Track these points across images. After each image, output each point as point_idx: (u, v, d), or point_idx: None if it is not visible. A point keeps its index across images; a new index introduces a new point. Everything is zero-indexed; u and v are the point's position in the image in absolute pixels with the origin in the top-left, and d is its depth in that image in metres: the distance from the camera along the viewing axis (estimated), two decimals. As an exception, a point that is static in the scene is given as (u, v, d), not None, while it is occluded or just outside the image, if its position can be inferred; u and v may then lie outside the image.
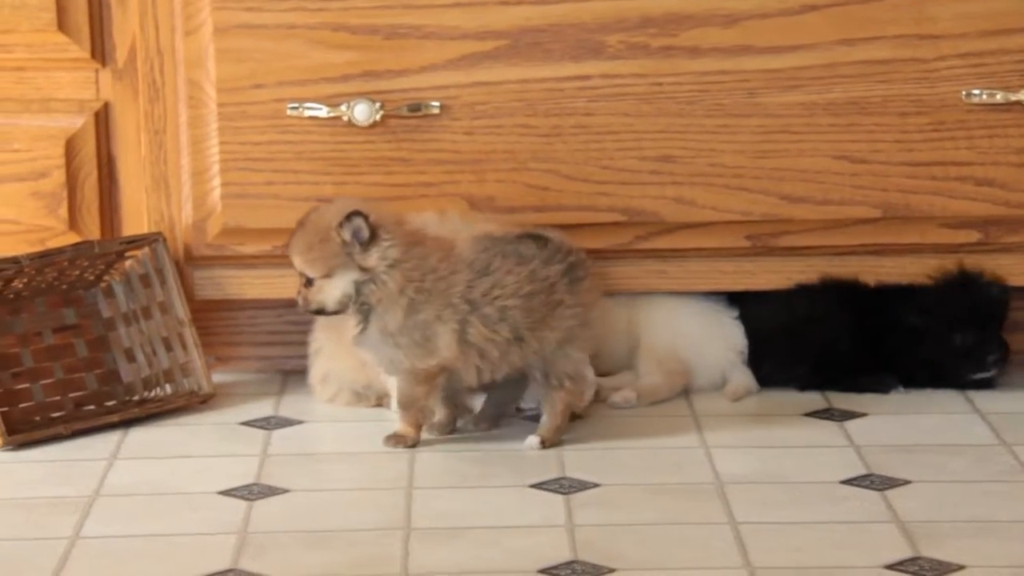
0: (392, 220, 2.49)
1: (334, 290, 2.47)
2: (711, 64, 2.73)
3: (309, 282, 2.49)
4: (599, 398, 2.68)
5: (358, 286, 2.46)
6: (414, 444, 2.52)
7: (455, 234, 2.57)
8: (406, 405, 2.51)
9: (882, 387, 2.75)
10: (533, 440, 2.52)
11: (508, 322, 2.46)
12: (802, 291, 2.77)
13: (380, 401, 2.69)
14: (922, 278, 2.75)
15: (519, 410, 2.65)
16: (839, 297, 2.76)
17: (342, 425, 2.66)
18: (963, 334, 2.70)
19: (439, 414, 2.56)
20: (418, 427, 2.52)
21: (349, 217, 2.45)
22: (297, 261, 2.49)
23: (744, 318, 2.79)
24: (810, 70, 2.73)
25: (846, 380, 2.75)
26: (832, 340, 2.75)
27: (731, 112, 2.74)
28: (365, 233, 2.45)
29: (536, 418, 2.60)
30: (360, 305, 2.47)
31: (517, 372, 2.51)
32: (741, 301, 2.80)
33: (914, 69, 2.73)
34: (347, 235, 2.45)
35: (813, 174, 2.76)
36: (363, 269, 2.45)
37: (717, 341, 2.77)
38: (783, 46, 2.73)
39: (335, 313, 2.50)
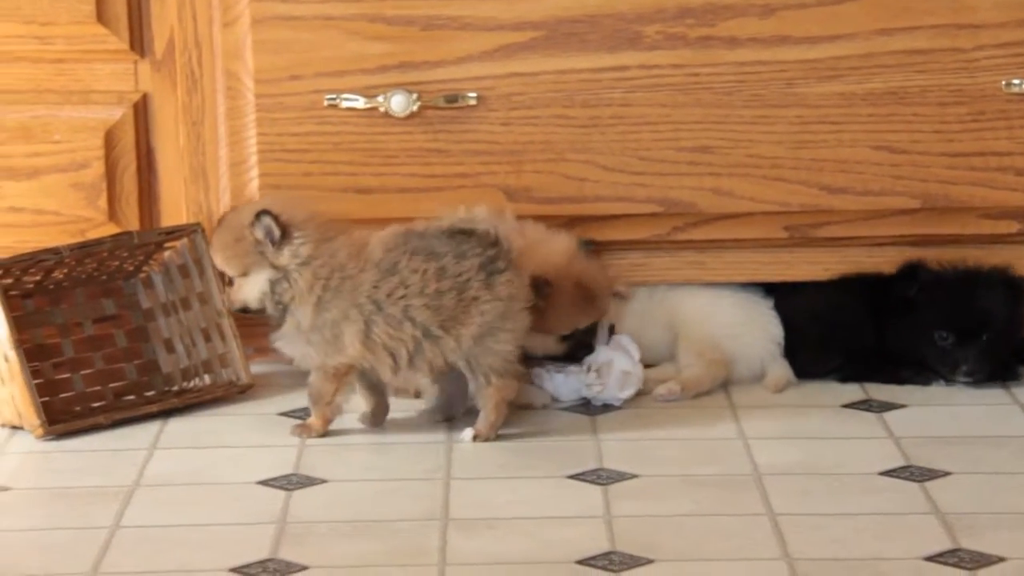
0: (305, 218, 2.51)
1: (252, 288, 2.53)
2: (749, 54, 2.72)
3: (231, 281, 2.56)
4: (643, 390, 2.68)
5: (272, 284, 2.51)
6: (320, 435, 2.54)
7: (539, 242, 2.58)
8: (316, 400, 2.54)
9: (922, 379, 2.74)
10: (467, 433, 2.52)
11: (413, 321, 2.46)
12: (836, 282, 2.77)
13: (417, 393, 2.70)
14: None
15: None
16: (873, 288, 2.75)
17: (380, 415, 2.66)
18: (947, 336, 2.69)
19: (368, 405, 2.58)
20: (326, 421, 2.55)
21: (259, 216, 2.50)
22: (217, 260, 2.57)
23: (780, 309, 2.78)
24: (848, 60, 2.72)
25: (886, 372, 2.74)
26: (864, 332, 2.75)
27: (769, 102, 2.73)
28: (276, 232, 2.49)
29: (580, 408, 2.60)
30: (276, 304, 2.51)
31: (449, 366, 2.51)
32: (777, 292, 2.79)
33: (953, 59, 2.72)
34: (259, 234, 2.50)
35: (852, 164, 2.75)
36: (275, 267, 2.50)
37: (756, 332, 2.77)
38: (821, 36, 2.72)
39: (260, 312, 2.55)
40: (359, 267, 2.49)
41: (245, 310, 2.56)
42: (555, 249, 2.61)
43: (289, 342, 2.53)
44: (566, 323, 2.61)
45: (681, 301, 2.78)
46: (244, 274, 2.53)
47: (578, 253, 2.63)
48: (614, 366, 2.64)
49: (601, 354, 2.64)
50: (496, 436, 2.52)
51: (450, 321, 2.47)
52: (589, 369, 2.64)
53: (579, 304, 2.60)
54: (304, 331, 2.51)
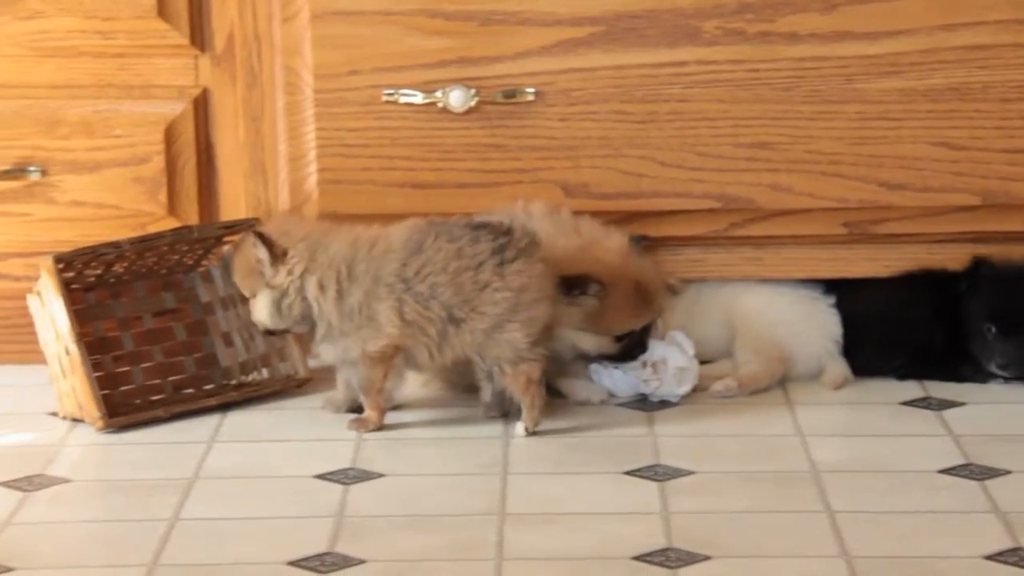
0: (302, 236, 2.54)
1: (261, 309, 2.56)
2: (809, 50, 2.71)
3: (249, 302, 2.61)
4: (700, 387, 2.68)
5: (275, 303, 2.54)
6: (376, 428, 2.55)
7: (593, 241, 2.60)
8: (366, 389, 2.55)
9: (981, 376, 2.72)
10: (518, 427, 2.53)
11: (439, 299, 2.48)
12: (898, 279, 2.75)
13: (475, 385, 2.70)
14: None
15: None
16: (936, 286, 2.74)
17: (436, 410, 2.67)
18: (992, 328, 2.67)
19: (339, 393, 2.60)
20: (381, 412, 2.56)
21: (253, 242, 2.53)
22: (236, 282, 2.61)
23: (842, 306, 2.77)
24: (909, 56, 2.71)
25: (945, 370, 2.73)
26: (929, 329, 2.73)
27: (829, 98, 2.72)
28: (265, 254, 2.53)
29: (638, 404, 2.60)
30: (290, 320, 2.54)
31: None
32: (837, 289, 2.78)
33: (1015, 55, 2.70)
34: (260, 255, 2.53)
35: (912, 161, 2.73)
36: (272, 287, 2.53)
37: (813, 329, 2.76)
38: (882, 32, 2.70)
39: (282, 330, 2.58)
40: (381, 250, 2.51)
41: (266, 330, 2.60)
42: (610, 248, 2.61)
43: (328, 344, 2.55)
44: (622, 323, 2.61)
45: (738, 297, 2.78)
46: (253, 296, 2.57)
47: (633, 252, 2.63)
48: (669, 362, 2.64)
49: (656, 350, 2.64)
50: (541, 419, 2.51)
51: (468, 304, 2.48)
52: (645, 365, 2.64)
53: (635, 304, 2.60)
54: (337, 327, 2.53)
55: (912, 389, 2.71)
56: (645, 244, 2.67)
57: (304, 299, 2.53)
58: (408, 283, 2.50)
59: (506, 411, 2.59)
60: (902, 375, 2.74)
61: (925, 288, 2.75)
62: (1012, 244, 2.76)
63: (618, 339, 2.62)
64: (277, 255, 2.53)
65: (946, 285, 2.74)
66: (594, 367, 2.66)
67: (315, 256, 2.53)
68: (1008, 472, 2.38)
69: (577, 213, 2.68)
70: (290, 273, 2.53)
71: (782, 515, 2.26)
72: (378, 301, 2.50)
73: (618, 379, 2.66)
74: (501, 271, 2.47)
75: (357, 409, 2.61)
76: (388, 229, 2.57)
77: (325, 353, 2.58)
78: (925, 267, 2.77)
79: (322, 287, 2.53)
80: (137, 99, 2.80)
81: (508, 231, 2.49)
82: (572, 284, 2.57)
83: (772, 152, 2.74)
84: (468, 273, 2.48)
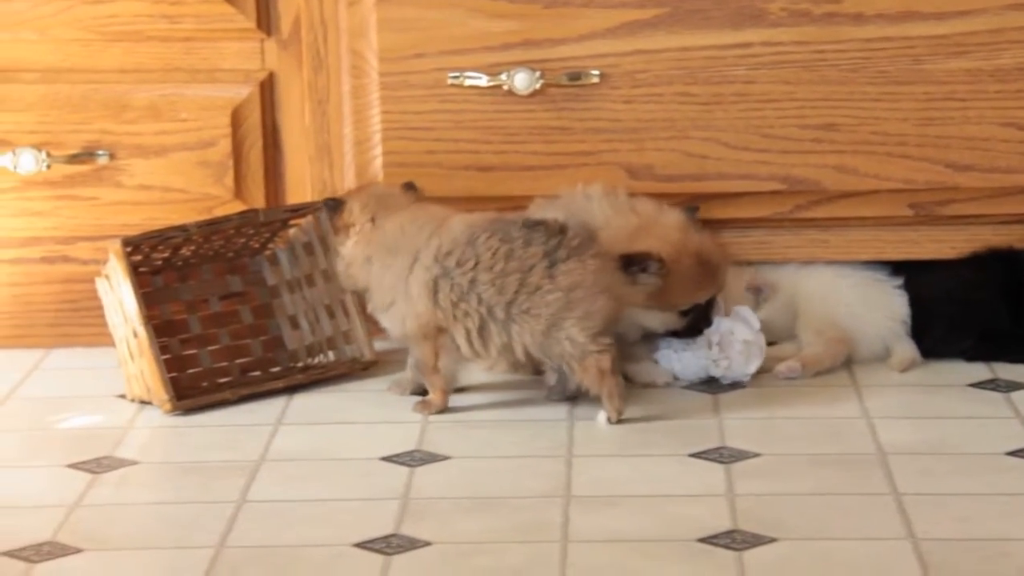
0: (373, 207, 2.59)
1: (337, 268, 2.64)
2: (875, 31, 2.70)
3: None
4: (764, 368, 2.67)
5: (342, 268, 2.62)
6: (439, 410, 2.56)
7: (652, 220, 2.60)
8: (423, 370, 2.58)
9: (1051, 358, 2.70)
10: (600, 417, 2.52)
11: (479, 294, 2.49)
12: (966, 261, 2.73)
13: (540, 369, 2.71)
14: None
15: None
16: (1005, 267, 2.72)
17: (501, 393, 2.67)
18: None
19: (406, 375, 2.63)
20: (443, 393, 2.57)
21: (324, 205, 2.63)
22: None
23: (907, 288, 2.75)
24: (977, 36, 2.69)
25: (1016, 351, 2.71)
26: (996, 310, 2.71)
27: (895, 79, 2.71)
28: (328, 225, 2.64)
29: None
30: (363, 288, 2.61)
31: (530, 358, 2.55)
32: (905, 271, 2.77)
33: (1084, 34, 2.68)
34: (326, 222, 2.65)
35: (979, 141, 2.71)
36: (339, 253, 2.62)
37: (878, 311, 2.74)
38: (949, 11, 2.68)
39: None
40: (427, 233, 2.53)
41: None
42: (668, 225, 2.61)
43: (382, 316, 2.60)
44: (686, 297, 2.61)
45: (802, 279, 2.76)
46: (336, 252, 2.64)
47: (693, 227, 2.62)
48: (735, 336, 2.63)
49: (721, 325, 2.63)
50: (624, 407, 2.51)
51: (514, 307, 2.49)
52: (711, 344, 2.63)
53: (699, 278, 2.60)
54: (381, 300, 2.56)
55: (980, 371, 2.70)
56: (697, 213, 2.66)
57: (363, 270, 2.57)
58: (447, 269, 2.51)
59: (570, 395, 2.59)
60: (970, 357, 2.73)
61: (992, 269, 2.73)
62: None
63: (683, 314, 2.62)
64: (338, 227, 2.57)
65: (1014, 265, 2.72)
66: (662, 352, 2.66)
67: (373, 232, 2.56)
68: (1076, 455, 2.37)
69: (633, 194, 2.67)
70: (351, 244, 2.58)
71: (848, 497, 2.25)
72: (412, 276, 2.53)
73: (687, 362, 2.65)
74: (552, 272, 2.48)
75: (423, 392, 2.62)
76: (457, 216, 2.57)
77: (383, 322, 2.61)
78: (992, 247, 2.74)
79: (369, 260, 2.56)
80: (203, 83, 2.82)
81: (562, 229, 2.49)
82: (631, 262, 2.57)
83: (838, 133, 2.73)
84: (515, 276, 2.49)
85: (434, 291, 2.52)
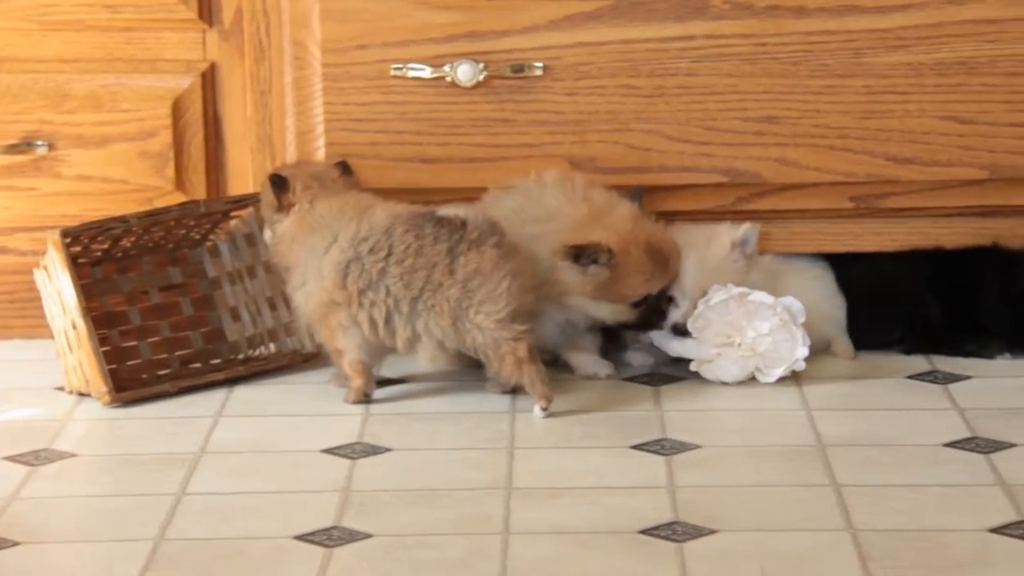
0: (314, 189, 2.61)
1: (266, 237, 2.69)
2: (816, 24, 2.71)
3: None
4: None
5: (273, 241, 2.66)
6: (362, 392, 2.57)
7: (603, 210, 2.59)
8: (332, 354, 2.60)
9: (987, 352, 2.72)
10: (536, 410, 2.52)
11: (387, 285, 2.51)
12: (891, 255, 2.75)
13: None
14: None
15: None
16: (928, 260, 2.73)
17: (443, 384, 2.67)
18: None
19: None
20: (358, 375, 2.57)
21: (268, 183, 2.63)
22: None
23: (838, 280, 2.76)
24: (917, 30, 2.70)
25: (950, 345, 2.72)
26: (924, 304, 2.73)
27: (836, 72, 2.72)
28: (274, 202, 2.63)
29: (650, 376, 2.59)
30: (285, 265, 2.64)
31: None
32: (835, 264, 2.78)
33: (1023, 28, 2.69)
34: (270, 200, 2.64)
35: (919, 135, 2.73)
36: (272, 229, 2.65)
37: (822, 303, 2.75)
38: (890, 5, 2.69)
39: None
40: (349, 216, 2.55)
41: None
42: (621, 215, 2.61)
43: (295, 295, 2.61)
44: (637, 289, 2.60)
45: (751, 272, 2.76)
46: (264, 222, 2.68)
47: (643, 217, 2.62)
48: (761, 330, 2.58)
49: (739, 323, 2.59)
50: (551, 394, 2.51)
51: (419, 303, 2.51)
52: (740, 344, 2.60)
53: (649, 269, 2.60)
54: (297, 282, 2.58)
55: (918, 363, 2.71)
56: (641, 196, 2.65)
57: (290, 248, 2.59)
58: (359, 254, 2.53)
59: (511, 387, 2.59)
60: (907, 350, 2.74)
61: (919, 263, 2.74)
62: (1019, 218, 2.75)
63: (635, 305, 2.62)
64: (283, 206, 2.59)
65: (943, 258, 2.74)
66: (700, 367, 2.62)
67: (307, 214, 2.58)
68: (1013, 445, 2.38)
69: (590, 182, 2.67)
70: (288, 223, 2.60)
71: (787, 489, 2.26)
72: (327, 256, 2.54)
73: (727, 367, 2.61)
74: (452, 267, 2.49)
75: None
76: (384, 205, 2.59)
77: (296, 303, 2.62)
78: (929, 241, 2.76)
79: (295, 239, 2.58)
80: (144, 73, 2.80)
81: (462, 224, 2.51)
82: (580, 253, 2.57)
83: (779, 126, 2.73)
84: (422, 272, 2.50)
85: (344, 273, 2.54)
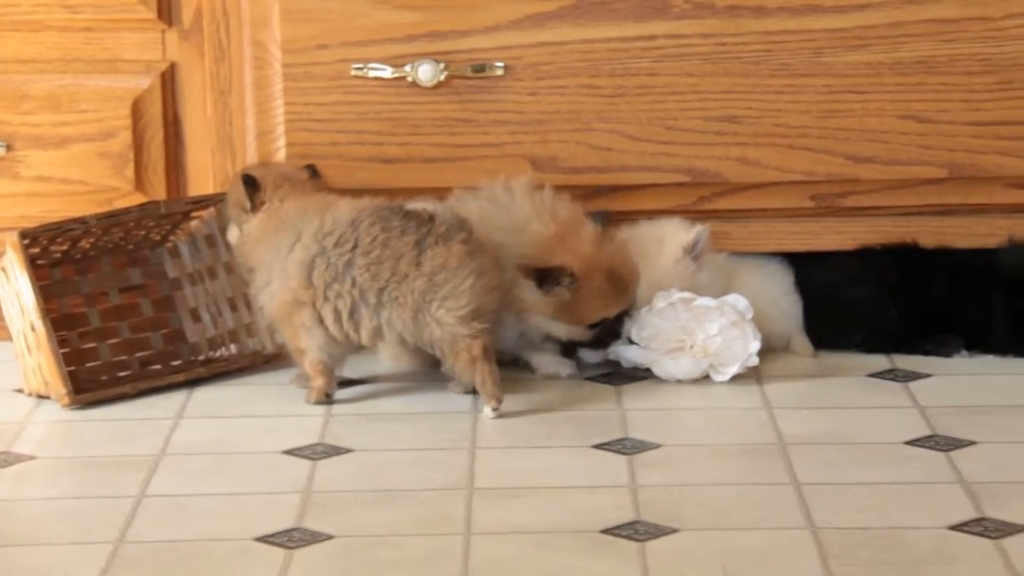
0: (284, 191, 2.61)
1: (230, 237, 2.68)
2: (777, 24, 2.71)
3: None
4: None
5: (239, 242, 2.67)
6: (323, 393, 2.57)
7: (569, 231, 2.59)
8: (293, 352, 2.60)
9: (945, 351, 2.73)
10: (486, 411, 2.52)
11: (353, 277, 2.51)
12: (854, 255, 2.75)
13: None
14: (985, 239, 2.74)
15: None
16: (886, 259, 2.74)
17: (404, 385, 2.67)
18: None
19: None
20: (319, 374, 2.57)
21: (240, 183, 2.63)
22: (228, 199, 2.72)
23: (798, 281, 2.77)
24: (876, 29, 2.71)
25: (909, 345, 2.73)
26: (882, 305, 2.74)
27: (796, 72, 2.72)
28: (247, 203, 2.63)
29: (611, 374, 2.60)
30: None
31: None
32: (795, 264, 2.78)
33: (982, 28, 2.70)
34: (242, 199, 2.65)
35: (879, 134, 2.74)
36: (240, 228, 2.65)
37: (778, 300, 2.76)
38: (849, 5, 2.70)
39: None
40: (312, 214, 2.55)
41: None
42: (585, 237, 2.60)
43: (259, 296, 2.61)
44: (595, 313, 2.60)
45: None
46: (229, 221, 2.67)
47: (606, 240, 2.61)
48: (713, 328, 2.59)
49: (689, 324, 2.60)
50: (502, 395, 2.50)
51: (384, 294, 2.51)
52: (691, 346, 2.60)
53: (608, 294, 2.60)
54: (261, 282, 2.58)
55: (878, 361, 2.72)
56: (607, 218, 2.66)
57: (255, 249, 2.60)
58: (324, 248, 2.53)
59: (472, 387, 2.59)
60: (867, 349, 2.75)
61: (879, 264, 2.75)
62: (977, 217, 2.77)
63: (591, 327, 2.62)
64: (255, 206, 2.59)
65: (901, 259, 2.75)
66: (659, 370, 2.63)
67: (274, 214, 2.58)
68: (973, 443, 2.39)
69: (558, 190, 2.66)
70: (255, 222, 2.59)
71: (749, 487, 2.26)
72: (291, 254, 2.54)
73: (683, 366, 2.61)
74: (419, 260, 2.49)
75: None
76: (346, 199, 2.59)
77: (260, 303, 2.61)
78: (888, 240, 2.77)
79: (260, 240, 2.58)
80: (103, 73, 2.79)
81: (431, 218, 2.51)
82: (545, 278, 2.57)
83: (740, 126, 2.74)
84: (389, 263, 2.50)
85: (310, 269, 2.54)
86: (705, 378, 2.63)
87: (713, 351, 2.60)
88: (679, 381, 2.62)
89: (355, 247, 2.52)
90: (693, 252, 2.66)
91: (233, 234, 2.65)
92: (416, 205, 2.55)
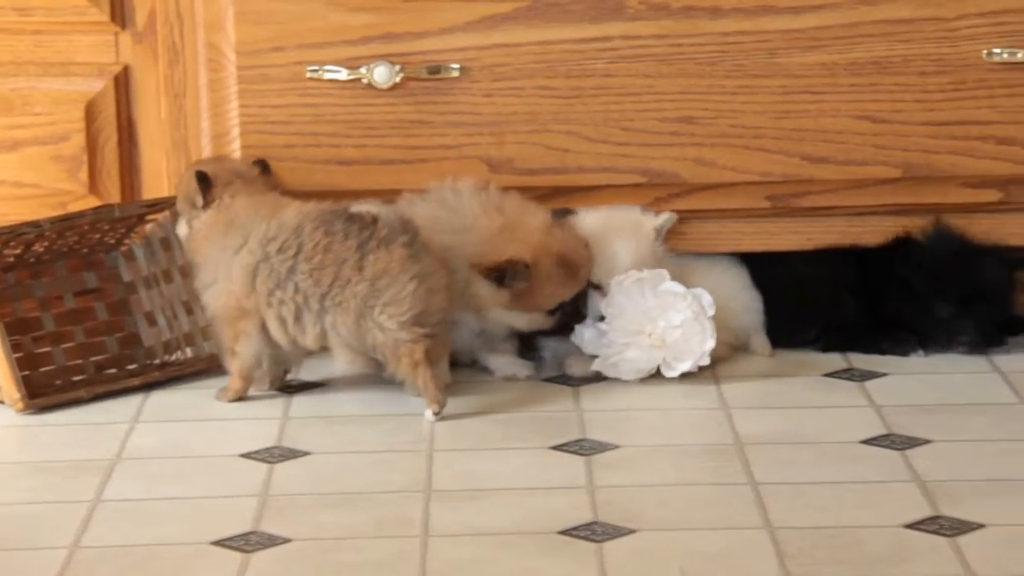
0: (235, 187, 2.61)
1: (180, 232, 2.69)
2: (732, 24, 2.72)
3: None
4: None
5: (186, 237, 2.68)
6: (237, 397, 2.57)
7: (515, 222, 2.59)
8: (221, 351, 2.61)
9: (901, 350, 2.74)
10: (427, 414, 2.52)
11: (296, 283, 2.52)
12: (809, 254, 2.76)
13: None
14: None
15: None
16: (840, 258, 2.75)
17: (361, 387, 2.66)
18: (946, 307, 2.70)
19: (265, 369, 2.62)
20: (241, 378, 2.58)
21: (194, 178, 2.63)
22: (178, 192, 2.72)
23: (757, 280, 2.78)
24: (831, 30, 2.72)
25: (865, 343, 2.74)
26: (838, 303, 2.75)
27: (752, 73, 2.73)
28: (200, 199, 2.63)
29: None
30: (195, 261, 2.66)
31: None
32: (749, 263, 2.79)
33: (935, 28, 2.71)
34: (195, 195, 2.65)
35: (834, 134, 2.75)
36: (189, 224, 2.66)
37: (738, 297, 2.76)
38: (804, 6, 2.71)
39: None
40: (261, 217, 2.56)
41: None
42: (530, 226, 2.61)
43: (203, 293, 2.61)
44: (551, 298, 2.61)
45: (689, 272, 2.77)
46: (179, 214, 2.67)
47: (554, 227, 2.63)
48: (673, 321, 2.59)
49: (652, 313, 2.60)
50: (444, 399, 2.50)
51: (327, 299, 2.51)
52: (649, 335, 2.60)
53: (561, 279, 2.61)
54: (206, 280, 2.58)
55: (835, 361, 2.73)
56: (570, 215, 2.67)
57: (201, 245, 2.59)
58: (267, 255, 2.53)
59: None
60: (823, 348, 2.76)
61: (833, 262, 2.76)
62: (932, 216, 2.78)
63: (550, 313, 2.63)
64: (207, 202, 2.59)
65: (857, 259, 2.76)
66: (598, 360, 2.63)
67: (223, 211, 2.58)
68: (928, 442, 2.40)
69: (506, 189, 2.67)
70: (205, 218, 2.60)
71: (706, 488, 2.27)
72: (236, 258, 2.54)
73: (633, 360, 2.62)
74: (361, 264, 2.49)
75: (283, 386, 2.60)
76: (295, 204, 2.59)
77: (204, 301, 2.62)
78: (845, 239, 2.78)
79: (208, 237, 2.58)
80: (56, 76, 2.78)
81: (373, 221, 2.51)
82: (499, 273, 2.57)
83: (696, 127, 2.75)
84: (331, 268, 2.50)
85: (253, 276, 2.54)
86: (657, 375, 2.63)
87: (671, 342, 2.60)
88: (626, 382, 2.62)
89: (298, 253, 2.52)
90: (662, 235, 2.68)
91: (182, 229, 2.65)
92: (361, 207, 2.54)
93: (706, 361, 2.61)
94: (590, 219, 2.68)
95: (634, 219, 2.69)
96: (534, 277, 2.58)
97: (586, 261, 2.64)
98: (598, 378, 2.64)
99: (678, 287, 2.62)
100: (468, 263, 2.59)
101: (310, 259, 2.51)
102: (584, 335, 2.64)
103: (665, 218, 2.68)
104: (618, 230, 2.66)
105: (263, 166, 2.67)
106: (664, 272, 2.62)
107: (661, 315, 2.59)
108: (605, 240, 2.66)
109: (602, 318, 2.63)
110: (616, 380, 2.65)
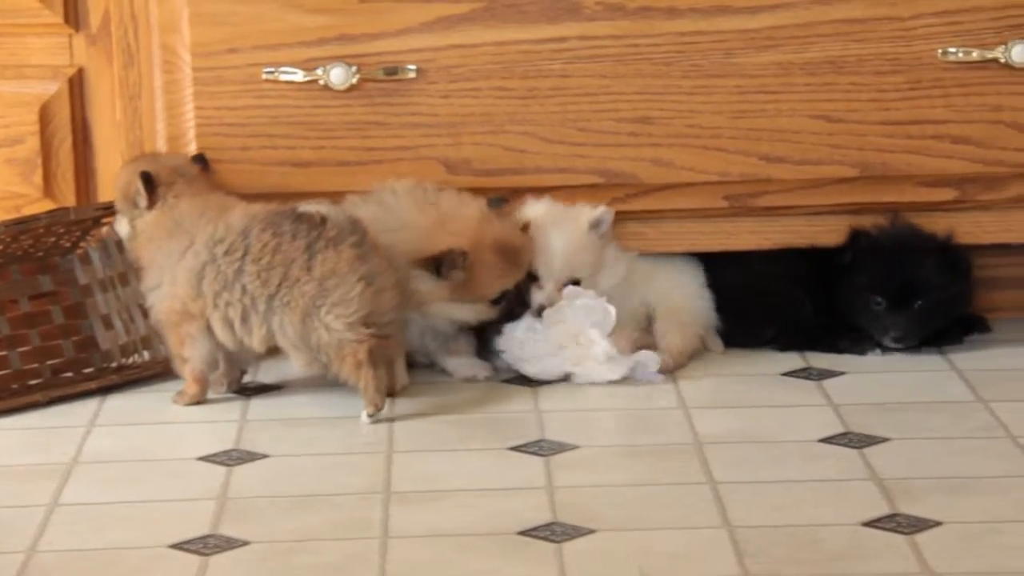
0: (178, 188, 2.60)
1: (119, 230, 2.69)
2: (688, 25, 2.72)
3: None
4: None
5: (128, 237, 2.66)
6: (193, 401, 2.57)
7: (449, 215, 2.59)
8: (172, 357, 2.60)
9: (859, 348, 2.75)
10: (363, 416, 2.51)
11: (243, 284, 2.52)
12: (765, 254, 2.77)
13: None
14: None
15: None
16: (795, 258, 2.76)
17: (319, 390, 2.65)
18: (881, 301, 2.71)
19: (222, 371, 2.62)
20: (196, 382, 2.58)
21: (137, 177, 2.62)
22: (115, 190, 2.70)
23: (713, 281, 2.78)
24: (786, 29, 2.73)
25: (823, 342, 2.75)
26: (794, 302, 2.75)
27: (708, 73, 2.74)
28: (144, 199, 2.62)
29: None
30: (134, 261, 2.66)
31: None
32: (704, 263, 2.80)
33: (890, 27, 2.73)
34: (138, 194, 2.63)
35: (790, 134, 2.75)
36: (131, 224, 2.65)
37: (692, 295, 2.77)
38: (759, 6, 2.72)
39: None
40: (207, 219, 2.55)
41: None
42: (467, 216, 2.61)
43: (148, 296, 2.60)
44: (492, 287, 2.62)
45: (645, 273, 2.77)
46: (119, 212, 2.66)
47: (490, 216, 2.63)
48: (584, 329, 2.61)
49: (567, 319, 2.61)
50: (383, 401, 2.50)
51: (275, 300, 2.50)
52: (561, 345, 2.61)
53: (500, 266, 2.61)
54: (151, 282, 2.58)
55: (792, 360, 2.74)
56: (504, 204, 2.67)
57: (145, 246, 2.59)
58: (214, 256, 2.53)
59: (391, 391, 2.58)
60: (781, 347, 2.77)
61: (789, 262, 2.77)
62: (889, 215, 2.79)
63: (494, 303, 2.63)
64: (152, 203, 2.58)
65: (814, 259, 2.77)
66: (512, 357, 2.64)
67: (167, 212, 2.57)
68: (886, 440, 2.41)
69: (442, 187, 2.67)
70: (149, 218, 2.59)
71: (665, 487, 2.27)
72: (182, 261, 2.54)
73: (545, 362, 2.62)
74: (310, 264, 2.49)
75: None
76: (242, 206, 2.58)
77: (149, 303, 2.61)
78: (802, 239, 2.79)
79: (152, 238, 2.57)
80: (10, 79, 2.76)
81: (322, 221, 2.50)
82: (439, 264, 2.57)
83: (653, 127, 2.75)
84: (280, 269, 2.50)
85: (200, 278, 2.53)
86: (624, 379, 2.63)
87: (588, 355, 2.61)
88: (583, 384, 2.62)
89: (245, 255, 2.51)
90: (599, 229, 2.68)
91: (122, 227, 2.64)
92: (309, 207, 2.54)
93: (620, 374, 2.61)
94: (529, 211, 2.69)
95: (571, 212, 2.69)
96: (474, 265, 2.58)
97: (525, 247, 2.64)
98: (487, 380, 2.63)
99: (591, 300, 2.62)
100: (410, 259, 2.59)
101: (258, 260, 2.50)
102: (516, 332, 2.64)
103: (601, 211, 2.69)
104: (553, 222, 2.67)
105: (203, 162, 2.66)
106: (610, 307, 2.61)
107: (583, 332, 2.60)
108: (540, 231, 2.67)
109: (540, 311, 2.63)
110: (575, 382, 2.65)
